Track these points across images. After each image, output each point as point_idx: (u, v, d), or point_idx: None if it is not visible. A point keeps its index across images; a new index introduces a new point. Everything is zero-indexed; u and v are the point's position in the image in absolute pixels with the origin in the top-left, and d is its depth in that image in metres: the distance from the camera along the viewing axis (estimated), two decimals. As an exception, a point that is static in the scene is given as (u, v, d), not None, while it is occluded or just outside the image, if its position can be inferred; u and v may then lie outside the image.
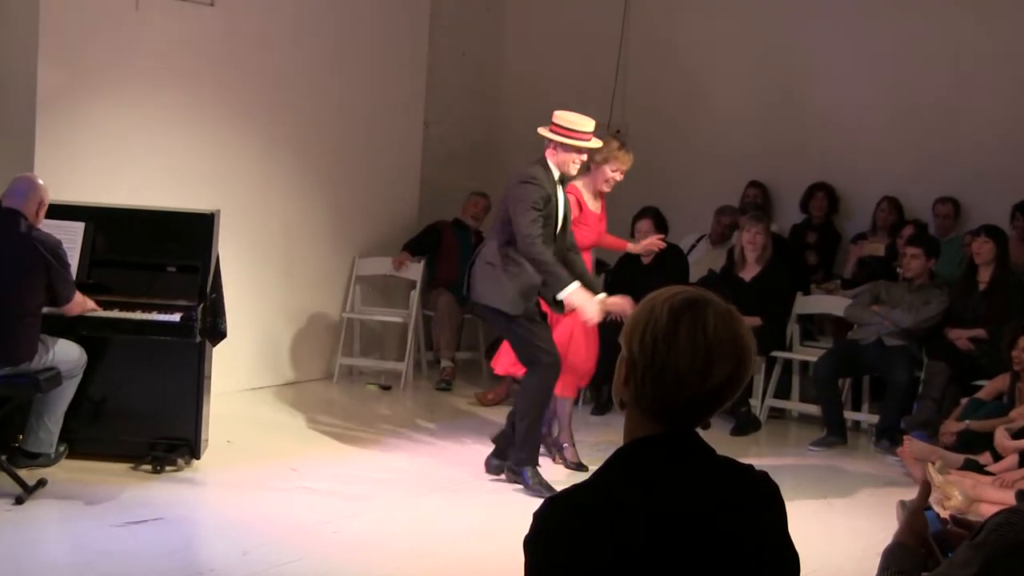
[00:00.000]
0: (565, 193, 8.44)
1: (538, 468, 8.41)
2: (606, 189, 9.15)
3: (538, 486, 8.23)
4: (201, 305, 8.21)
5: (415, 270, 12.04)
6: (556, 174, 8.23)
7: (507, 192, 8.26)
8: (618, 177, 9.01)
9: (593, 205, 9.21)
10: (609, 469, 2.74)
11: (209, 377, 8.55)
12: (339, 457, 9.10)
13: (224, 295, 8.55)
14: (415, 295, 11.98)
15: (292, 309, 11.52)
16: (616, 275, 11.60)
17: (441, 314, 11.99)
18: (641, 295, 2.92)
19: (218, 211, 8.53)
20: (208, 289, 8.31)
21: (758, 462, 2.87)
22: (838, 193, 12.47)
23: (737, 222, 11.80)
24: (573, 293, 8.16)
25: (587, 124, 8.21)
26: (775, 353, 11.11)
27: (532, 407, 8.36)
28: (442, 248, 12.31)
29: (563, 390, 8.85)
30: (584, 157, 8.31)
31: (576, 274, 8.26)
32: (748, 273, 11.10)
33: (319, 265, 11.74)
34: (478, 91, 13.70)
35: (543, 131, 8.22)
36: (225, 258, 8.70)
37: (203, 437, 8.49)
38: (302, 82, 11.28)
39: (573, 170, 8.31)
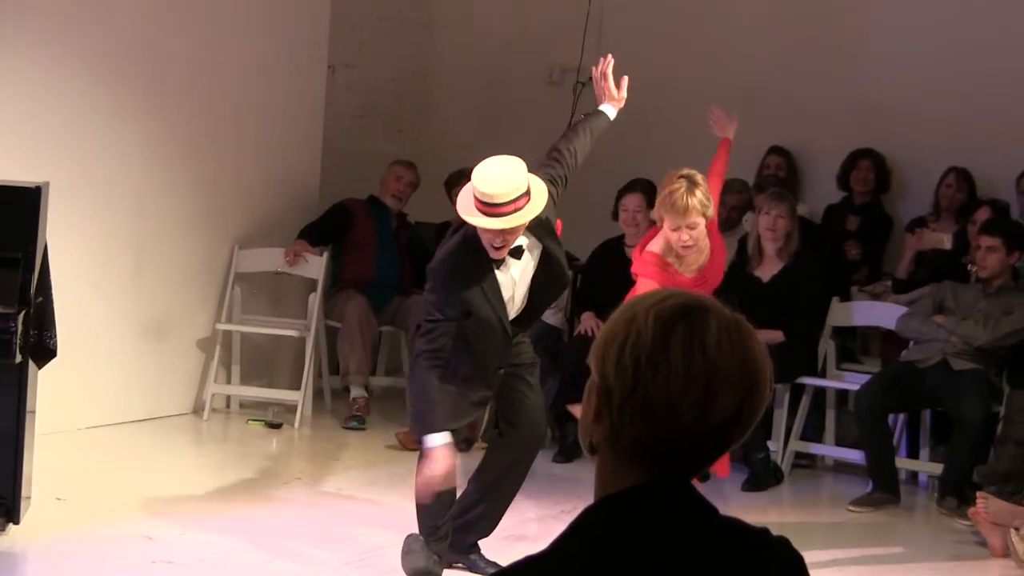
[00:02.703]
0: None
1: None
2: (683, 254, 8.76)
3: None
4: (23, 312, 8.12)
5: (316, 265, 12.04)
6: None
7: None
8: (685, 238, 8.62)
9: (688, 269, 8.82)
10: (571, 536, 2.72)
11: (33, 411, 8.47)
12: (210, 522, 9.04)
13: (54, 299, 8.48)
14: (315, 300, 11.97)
15: (148, 319, 11.50)
16: (589, 274, 11.63)
17: (351, 326, 11.98)
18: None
19: (46, 184, 8.46)
20: (32, 290, 8.24)
21: (779, 526, 2.87)
22: (889, 163, 12.53)
23: (751, 202, 11.83)
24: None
25: (501, 187, 7.68)
26: (803, 380, 11.16)
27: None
28: (352, 236, 12.31)
29: None
30: (503, 240, 7.87)
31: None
32: (766, 271, 11.14)
33: (183, 259, 11.73)
34: (402, 21, 13.70)
35: (471, 218, 7.80)
36: (55, 249, 8.63)
37: (24, 494, 8.38)
38: (155, 14, 11.24)
39: (497, 254, 7.90)
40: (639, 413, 2.69)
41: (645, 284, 8.49)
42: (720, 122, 9.39)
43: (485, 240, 7.74)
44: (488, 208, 7.62)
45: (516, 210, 7.60)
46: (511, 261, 7.87)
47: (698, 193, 8.42)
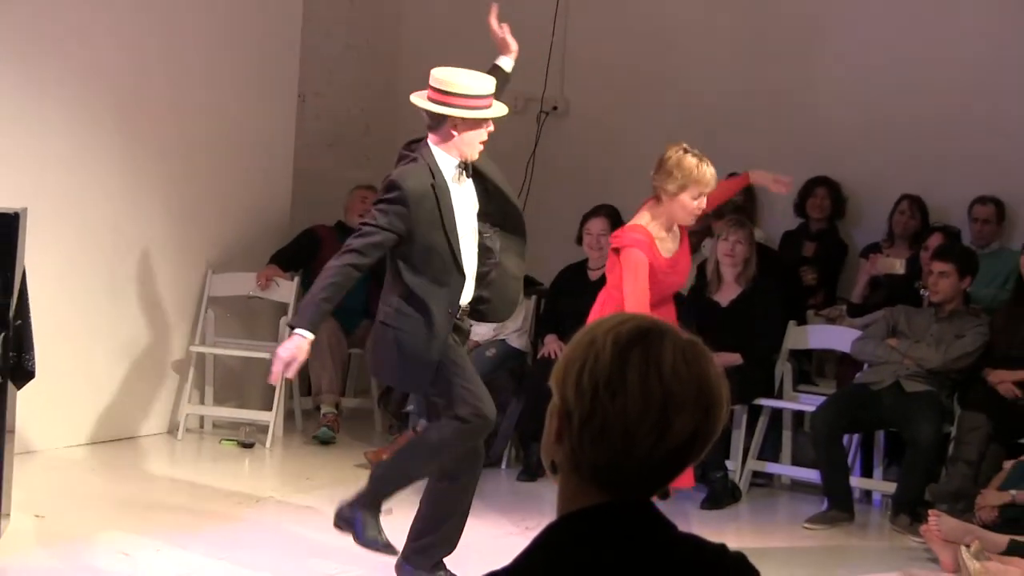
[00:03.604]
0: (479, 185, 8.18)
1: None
2: (690, 223, 8.84)
3: (374, 541, 8.15)
4: (2, 335, 8.14)
5: (287, 289, 12.06)
6: (451, 164, 7.83)
7: None
8: (704, 204, 8.72)
9: (666, 249, 8.79)
10: (534, 552, 2.74)
11: (12, 431, 8.47)
12: (185, 538, 9.03)
13: (32, 321, 8.50)
14: (286, 323, 11.99)
15: (124, 341, 11.50)
16: (553, 298, 11.68)
17: (322, 348, 11.99)
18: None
19: (24, 210, 8.46)
20: (11, 313, 8.24)
21: (737, 542, 2.89)
22: (845, 191, 12.59)
23: (710, 228, 11.87)
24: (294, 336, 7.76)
25: (486, 84, 7.83)
26: (760, 401, 11.21)
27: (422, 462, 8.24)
28: (321, 261, 12.21)
29: None
30: (492, 129, 7.90)
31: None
32: (725, 296, 11.19)
33: (159, 283, 11.74)
34: (370, 52, 13.73)
35: (420, 101, 7.81)
36: (34, 273, 8.64)
37: (3, 511, 8.42)
38: (131, 45, 11.25)
39: (477, 153, 7.89)
40: (597, 437, 2.70)
41: (634, 255, 8.50)
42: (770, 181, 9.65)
43: (475, 141, 7.74)
44: (485, 100, 7.71)
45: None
46: (465, 182, 7.86)
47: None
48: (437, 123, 7.74)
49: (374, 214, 7.63)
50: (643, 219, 8.68)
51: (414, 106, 7.88)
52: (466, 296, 7.91)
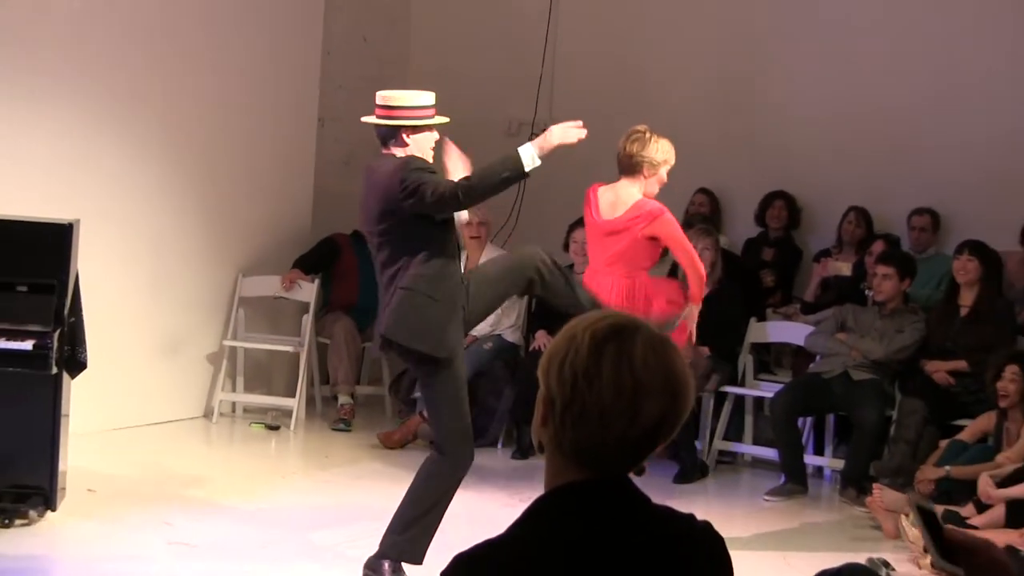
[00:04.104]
0: None
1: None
2: (654, 196, 8.77)
3: None
4: (58, 331, 8.14)
5: (308, 291, 12.07)
6: None
7: (388, 200, 7.54)
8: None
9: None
10: (525, 522, 2.77)
11: (67, 415, 8.48)
12: (220, 509, 9.08)
13: (84, 319, 8.51)
14: (308, 320, 11.99)
15: (164, 335, 11.52)
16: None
17: (338, 342, 12.02)
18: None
19: (77, 221, 8.47)
20: (66, 312, 8.25)
21: (704, 513, 2.91)
22: (799, 203, 12.60)
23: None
24: (534, 148, 7.53)
25: (428, 96, 7.69)
26: (725, 388, 11.23)
27: (436, 496, 7.59)
28: (339, 265, 12.34)
29: None
30: (437, 137, 7.73)
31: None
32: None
33: (195, 285, 11.75)
34: (381, 82, 13.69)
35: (369, 119, 7.70)
36: (85, 276, 8.67)
37: (60, 485, 8.42)
38: (173, 72, 11.28)
39: (431, 156, 7.67)
40: (577, 421, 2.72)
41: (672, 218, 8.68)
42: None
43: (427, 144, 7.58)
44: (427, 111, 7.59)
45: None
46: None
47: None
48: (390, 135, 7.60)
49: (416, 172, 7.33)
50: (634, 191, 8.66)
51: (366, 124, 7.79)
52: None
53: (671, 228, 8.64)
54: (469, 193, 7.25)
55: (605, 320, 2.78)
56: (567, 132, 7.57)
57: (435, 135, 7.66)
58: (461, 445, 7.49)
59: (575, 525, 2.72)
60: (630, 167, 8.68)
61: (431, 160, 7.59)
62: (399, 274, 7.48)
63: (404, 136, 7.53)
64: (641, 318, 2.85)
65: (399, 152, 7.52)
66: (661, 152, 8.62)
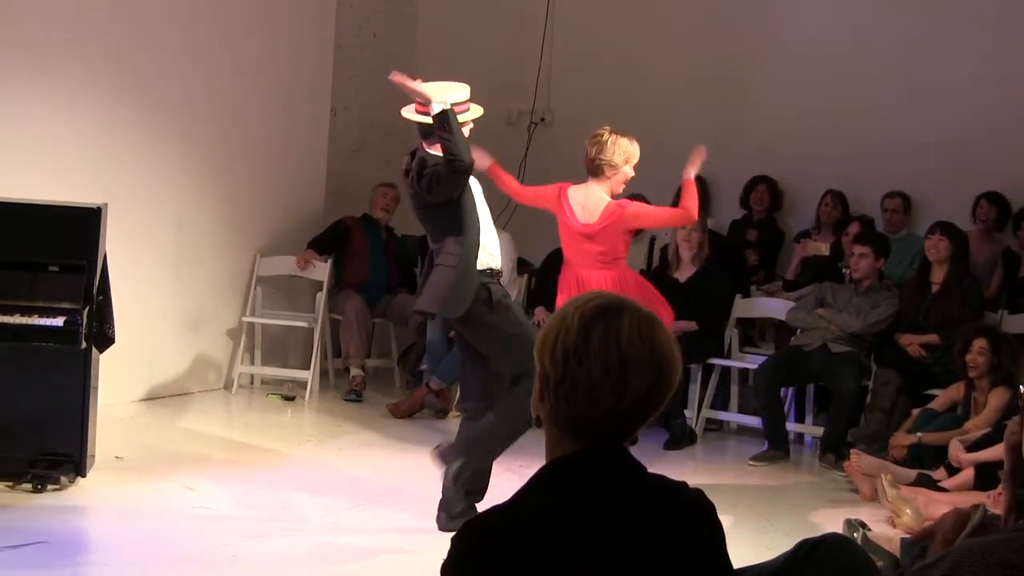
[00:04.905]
0: None
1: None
2: (620, 191, 8.80)
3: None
4: (87, 308, 8.13)
5: (321, 270, 12.04)
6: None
7: (418, 198, 7.78)
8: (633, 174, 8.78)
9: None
10: (529, 491, 2.77)
11: (96, 387, 8.47)
12: (239, 474, 9.04)
13: (112, 297, 8.48)
14: (321, 297, 11.98)
15: (187, 313, 11.49)
16: (542, 275, 11.67)
17: (350, 318, 11.99)
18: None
19: (105, 204, 8.44)
20: (95, 290, 8.23)
21: (693, 478, 2.90)
22: (781, 187, 12.58)
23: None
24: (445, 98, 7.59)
25: (464, 91, 7.82)
26: (712, 360, 11.20)
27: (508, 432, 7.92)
28: (351, 246, 12.31)
29: None
30: (472, 128, 7.80)
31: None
32: (683, 274, 11.18)
33: (216, 265, 11.72)
34: (389, 75, 13.67)
35: (411, 114, 7.78)
36: (111, 256, 8.62)
37: (89, 453, 8.42)
38: (195, 64, 11.24)
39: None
40: (569, 396, 2.73)
41: (636, 208, 8.73)
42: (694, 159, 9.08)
43: (467, 134, 7.68)
44: (463, 106, 7.71)
45: None
46: None
47: None
48: (431, 131, 7.66)
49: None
50: (602, 194, 8.66)
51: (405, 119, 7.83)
52: (495, 262, 7.84)
53: (639, 213, 8.74)
54: (460, 148, 7.47)
55: (593, 301, 2.79)
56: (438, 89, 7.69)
57: (471, 126, 7.76)
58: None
59: (574, 493, 2.72)
60: (593, 169, 8.71)
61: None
62: (436, 253, 7.76)
63: None
64: (628, 298, 2.83)
65: (439, 150, 7.60)
66: (619, 153, 8.61)
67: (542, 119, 13.52)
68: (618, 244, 8.68)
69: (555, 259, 11.39)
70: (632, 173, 8.70)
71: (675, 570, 2.75)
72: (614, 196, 8.69)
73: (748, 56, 12.82)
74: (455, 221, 7.65)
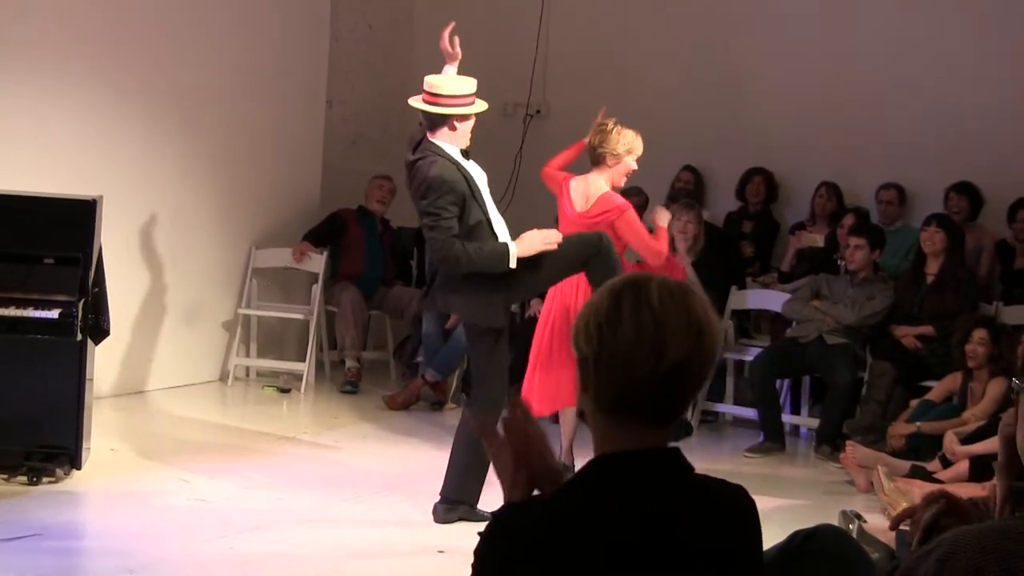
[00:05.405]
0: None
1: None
2: (622, 184, 8.90)
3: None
4: (82, 300, 8.12)
5: (317, 262, 12.02)
6: (457, 152, 7.72)
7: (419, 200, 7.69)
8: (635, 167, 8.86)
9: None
10: (575, 485, 2.73)
11: (91, 379, 8.47)
12: (234, 467, 9.03)
13: (107, 289, 8.47)
14: (317, 289, 11.97)
15: (182, 304, 11.46)
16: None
17: (345, 310, 11.97)
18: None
19: (100, 197, 8.44)
20: (90, 283, 8.23)
21: None
22: (777, 179, 12.57)
23: (647, 203, 11.78)
24: (520, 244, 7.63)
25: (471, 84, 7.80)
26: (708, 352, 11.17)
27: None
28: (346, 238, 12.30)
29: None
30: (474, 121, 7.82)
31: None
32: (679, 266, 11.18)
33: (211, 257, 11.70)
34: (385, 68, 13.69)
35: (418, 104, 7.75)
36: (108, 249, 8.61)
37: (84, 445, 8.41)
38: (191, 56, 11.21)
39: (467, 141, 7.81)
40: (606, 369, 2.69)
41: (632, 215, 8.70)
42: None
43: (468, 131, 7.72)
44: (470, 98, 7.70)
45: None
46: (471, 163, 7.80)
47: None
48: (439, 122, 7.67)
49: (437, 206, 7.49)
50: (602, 183, 8.71)
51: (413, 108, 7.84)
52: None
53: (631, 226, 8.68)
54: (463, 264, 7.52)
55: (620, 278, 2.78)
56: (542, 243, 7.70)
57: (473, 120, 7.77)
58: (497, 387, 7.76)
59: (618, 493, 2.68)
60: (594, 158, 8.77)
61: (469, 142, 7.76)
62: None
63: (455, 123, 7.66)
64: (654, 275, 2.81)
65: (444, 140, 7.65)
66: (623, 143, 8.69)
67: (537, 111, 13.50)
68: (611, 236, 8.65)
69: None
70: (634, 166, 8.76)
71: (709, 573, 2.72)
72: (615, 188, 8.71)
73: (744, 49, 12.80)
74: (461, 235, 7.62)
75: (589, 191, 8.73)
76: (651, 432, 2.76)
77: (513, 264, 7.56)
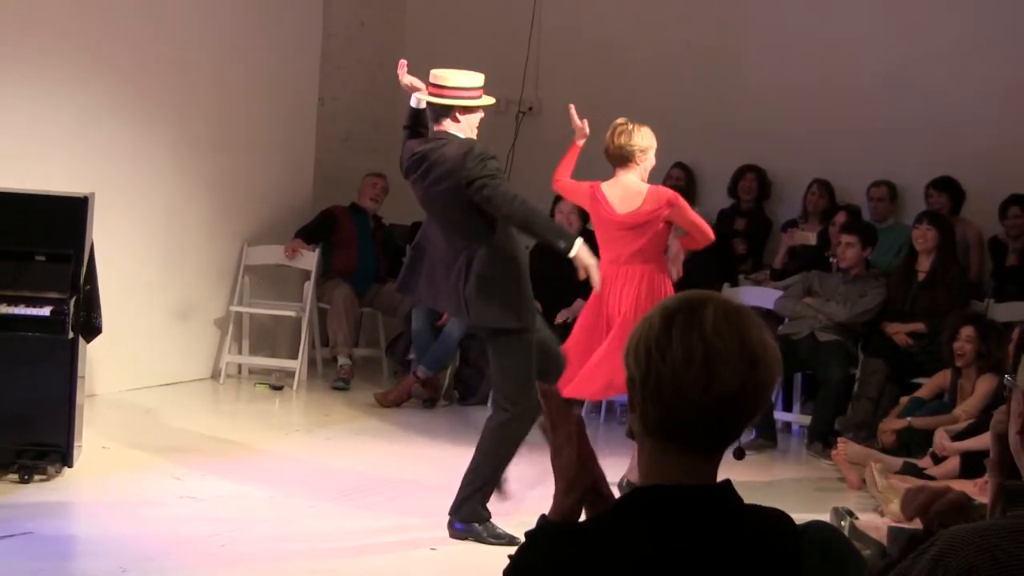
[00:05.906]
0: None
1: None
2: (646, 179, 8.80)
3: (496, 538, 7.57)
4: (74, 298, 8.10)
5: (309, 259, 12.02)
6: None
7: (453, 184, 7.51)
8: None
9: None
10: (617, 512, 2.67)
11: (83, 377, 8.46)
12: (226, 464, 9.03)
13: (99, 286, 8.46)
14: (309, 287, 11.97)
15: (174, 302, 11.45)
16: (534, 269, 11.67)
17: (337, 308, 11.97)
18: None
19: (92, 194, 8.42)
20: (81, 280, 8.21)
21: None
22: (769, 176, 12.57)
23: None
24: (581, 249, 7.53)
25: (478, 78, 7.76)
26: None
27: (504, 451, 7.64)
28: (338, 235, 12.29)
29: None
30: (483, 115, 7.76)
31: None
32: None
33: (204, 254, 11.69)
34: (378, 65, 13.67)
35: (423, 95, 7.70)
36: (98, 246, 8.60)
37: (76, 443, 8.39)
38: (183, 53, 11.20)
39: (474, 136, 7.71)
40: (655, 392, 2.61)
41: (685, 204, 8.80)
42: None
43: (475, 122, 7.68)
44: (476, 92, 7.68)
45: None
46: None
47: None
48: (443, 113, 7.63)
49: (490, 170, 7.43)
50: (637, 181, 8.69)
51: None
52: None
53: (684, 211, 8.72)
54: (515, 213, 7.43)
55: (676, 297, 2.70)
56: (591, 268, 7.61)
57: (482, 114, 7.72)
58: (532, 398, 7.41)
59: (658, 534, 2.61)
60: (622, 158, 8.68)
61: (476, 136, 7.68)
62: (473, 260, 7.56)
63: (457, 114, 7.61)
64: (714, 292, 2.74)
65: (452, 129, 7.60)
66: (646, 138, 8.71)
67: (530, 108, 13.50)
68: (660, 241, 8.69)
69: (545, 251, 11.37)
70: (655, 161, 8.79)
71: None
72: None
73: (736, 47, 12.81)
74: (486, 220, 7.55)
75: (628, 191, 8.66)
76: (697, 461, 2.71)
77: (575, 252, 7.48)
